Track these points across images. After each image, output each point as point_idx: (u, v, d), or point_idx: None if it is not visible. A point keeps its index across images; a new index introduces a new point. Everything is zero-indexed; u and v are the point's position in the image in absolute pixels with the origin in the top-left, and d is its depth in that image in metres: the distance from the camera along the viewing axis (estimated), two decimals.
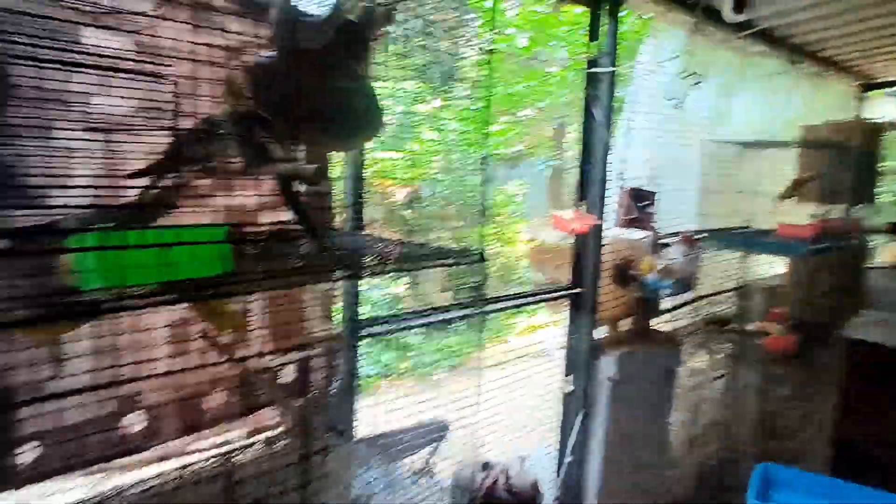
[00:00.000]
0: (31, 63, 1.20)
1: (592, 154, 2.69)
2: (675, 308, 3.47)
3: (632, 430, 2.86)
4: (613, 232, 2.91)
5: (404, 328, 2.09)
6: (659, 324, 3.30)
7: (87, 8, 1.30)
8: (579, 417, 2.55)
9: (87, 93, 1.28)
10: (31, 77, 1.22)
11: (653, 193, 2.87)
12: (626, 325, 3.08)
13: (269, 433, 1.70)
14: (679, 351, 3.09)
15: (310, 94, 1.27)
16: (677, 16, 2.92)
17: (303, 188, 1.37)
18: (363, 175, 1.86)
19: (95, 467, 1.45)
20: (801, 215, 3.61)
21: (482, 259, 1.35)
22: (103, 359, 1.38)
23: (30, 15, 1.17)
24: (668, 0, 2.77)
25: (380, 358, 6.01)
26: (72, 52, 1.24)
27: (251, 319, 1.60)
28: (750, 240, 3.19)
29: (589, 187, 2.72)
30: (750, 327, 3.39)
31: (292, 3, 1.34)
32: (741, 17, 2.55)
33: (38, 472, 1.37)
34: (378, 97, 1.46)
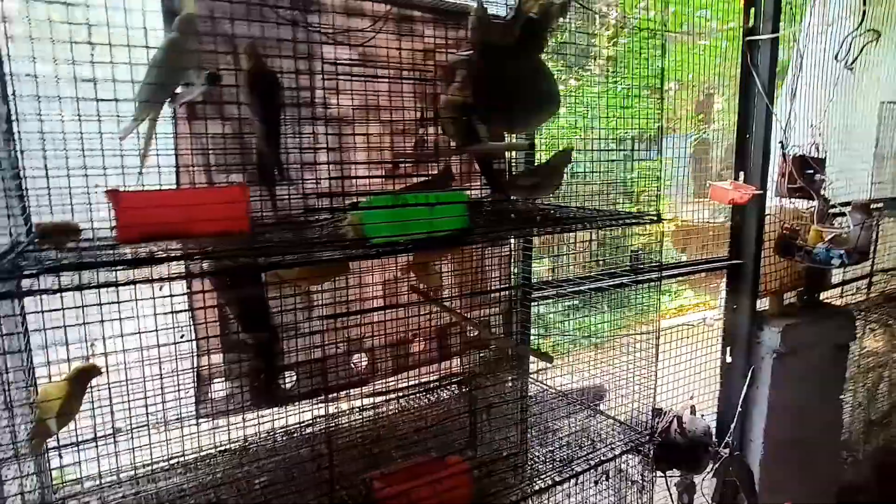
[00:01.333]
0: (287, 75, 1.56)
1: (751, 123, 2.66)
2: (848, 282, 3.29)
3: (797, 405, 2.80)
4: (777, 203, 2.85)
5: (570, 292, 2.28)
6: (830, 298, 3.16)
7: (325, 30, 1.63)
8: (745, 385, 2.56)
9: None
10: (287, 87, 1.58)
11: (821, 161, 2.76)
12: (791, 298, 3.00)
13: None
14: (852, 325, 2.94)
15: (504, 83, 1.51)
16: None
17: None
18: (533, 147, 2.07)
19: (333, 395, 1.82)
20: None
21: (659, 219, 1.50)
22: (339, 308, 1.74)
23: (287, 40, 1.53)
24: None
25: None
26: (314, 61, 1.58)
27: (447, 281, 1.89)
28: None
29: (747, 157, 2.69)
30: None
31: (486, 8, 1.58)
32: None
33: (294, 395, 1.76)
34: (555, 80, 1.67)
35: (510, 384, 2.00)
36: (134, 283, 0.89)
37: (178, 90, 1.29)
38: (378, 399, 1.89)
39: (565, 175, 1.91)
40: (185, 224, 0.93)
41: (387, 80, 1.69)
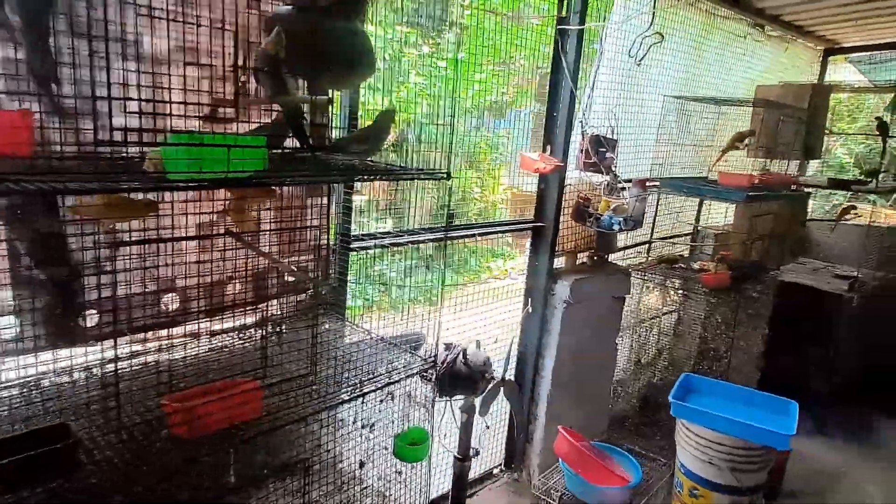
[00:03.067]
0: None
1: (559, 103, 3.04)
2: (631, 246, 3.90)
3: (580, 347, 3.33)
4: (576, 174, 3.29)
5: (386, 245, 2.47)
6: (616, 259, 3.74)
7: None
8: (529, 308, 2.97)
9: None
10: (99, 19, 1.53)
11: (613, 141, 3.24)
12: (584, 258, 3.51)
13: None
14: (628, 281, 3.53)
15: (319, 42, 1.61)
16: None
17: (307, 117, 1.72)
18: (356, 110, 2.20)
19: (140, 335, 1.84)
20: (748, 167, 4.04)
21: (448, 177, 1.72)
22: (149, 248, 1.75)
23: None
24: None
25: (365, 291, 6.45)
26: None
27: (265, 227, 1.97)
28: (698, 187, 3.59)
29: (555, 133, 3.08)
30: (695, 265, 3.83)
31: None
32: None
33: (99, 334, 1.75)
34: (371, 46, 1.80)
35: (326, 326, 2.15)
36: None
37: None
38: (188, 340, 1.94)
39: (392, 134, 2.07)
40: None
41: (204, 25, 1.70)
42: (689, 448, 2.79)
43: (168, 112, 1.62)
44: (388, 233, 2.52)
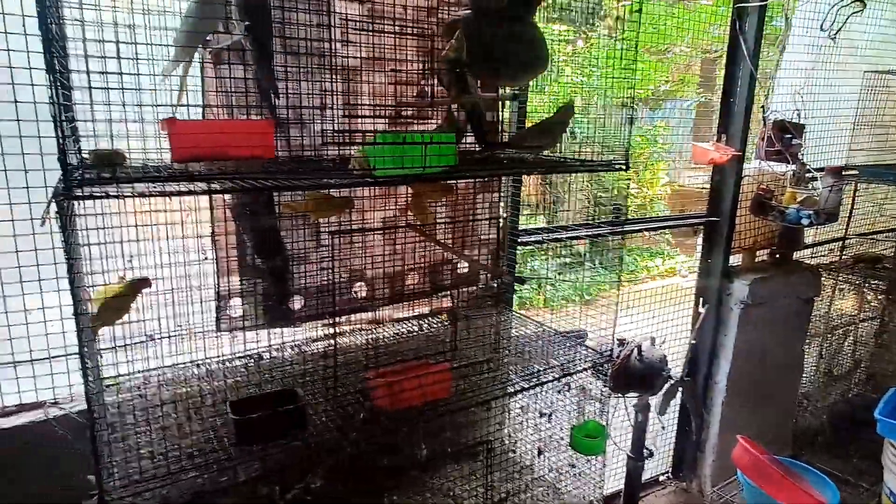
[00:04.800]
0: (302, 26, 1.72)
1: (736, 87, 2.82)
2: (822, 243, 3.49)
3: (760, 351, 3.05)
4: (756, 165, 3.03)
5: (554, 240, 2.49)
6: (802, 257, 3.37)
7: None
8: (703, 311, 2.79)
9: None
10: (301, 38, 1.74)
11: (800, 126, 2.93)
12: (764, 255, 3.22)
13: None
14: (817, 282, 3.17)
15: (495, 42, 1.68)
16: None
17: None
18: (526, 107, 2.25)
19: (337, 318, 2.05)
20: None
21: (627, 167, 1.70)
22: (343, 241, 1.95)
23: None
24: None
25: (520, 289, 6.51)
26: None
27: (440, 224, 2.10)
28: None
29: (731, 119, 2.86)
30: None
31: None
32: None
33: (303, 317, 1.99)
34: (545, 41, 1.83)
35: (500, 318, 2.23)
36: (167, 194, 1.09)
37: (209, 38, 1.46)
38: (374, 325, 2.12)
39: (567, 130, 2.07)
40: (225, 148, 1.13)
41: (392, 34, 1.86)
42: None
43: (360, 115, 1.80)
44: (556, 228, 2.53)
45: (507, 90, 1.95)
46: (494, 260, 2.32)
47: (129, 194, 1.04)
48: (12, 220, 1.41)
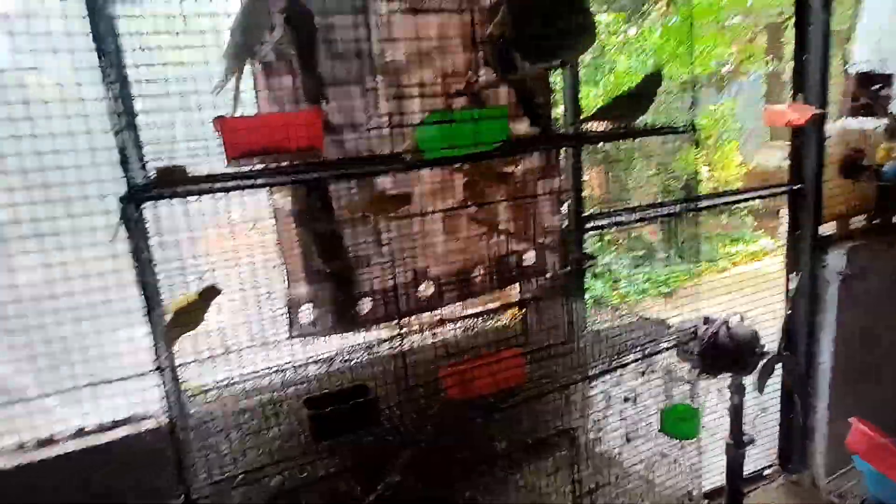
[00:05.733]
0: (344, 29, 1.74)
1: (808, 40, 2.61)
2: None
3: (867, 328, 2.78)
4: (841, 123, 2.79)
5: (620, 223, 2.37)
6: None
7: None
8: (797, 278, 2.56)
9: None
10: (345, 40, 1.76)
11: (887, 76, 2.68)
12: (860, 222, 2.94)
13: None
14: None
15: (538, 15, 1.63)
16: None
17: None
18: (578, 89, 2.17)
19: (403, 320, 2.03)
20: None
21: (694, 129, 1.59)
22: (404, 241, 1.94)
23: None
24: None
25: (593, 286, 6.30)
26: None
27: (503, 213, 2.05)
28: None
29: (807, 77, 2.65)
30: None
31: None
32: None
33: (371, 319, 1.99)
34: (590, 12, 1.76)
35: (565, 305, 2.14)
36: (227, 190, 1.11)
37: (257, 49, 1.50)
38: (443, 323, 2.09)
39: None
40: (275, 142, 1.14)
41: (437, 22, 1.84)
42: None
43: (408, 111, 1.79)
44: (624, 210, 2.41)
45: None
46: (561, 248, 2.24)
47: (190, 193, 1.07)
48: (93, 243, 1.49)
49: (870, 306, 2.78)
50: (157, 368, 1.38)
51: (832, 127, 2.74)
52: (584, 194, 2.51)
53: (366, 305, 1.98)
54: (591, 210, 2.53)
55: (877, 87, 2.64)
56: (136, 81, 1.36)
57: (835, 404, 2.80)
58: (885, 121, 2.70)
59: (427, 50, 1.82)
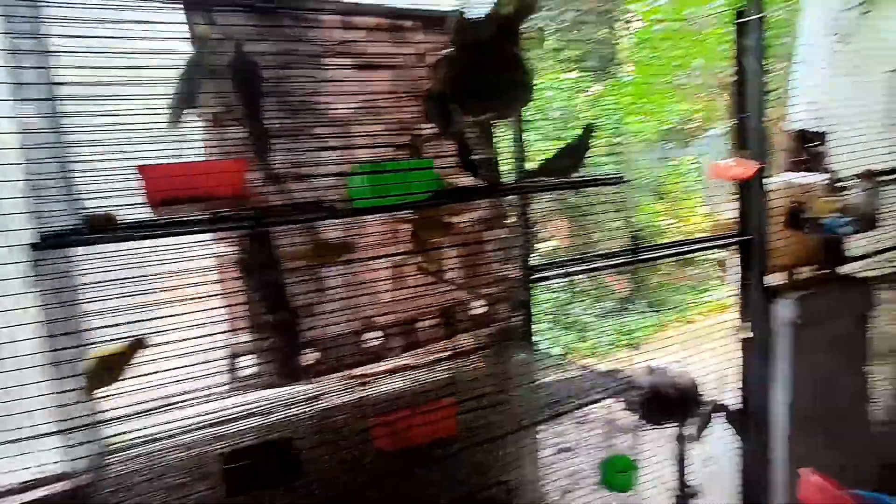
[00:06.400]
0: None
1: (747, 100, 2.74)
2: (870, 255, 3.26)
3: (820, 376, 2.81)
4: (784, 177, 2.91)
5: (572, 272, 2.41)
6: (850, 271, 3.14)
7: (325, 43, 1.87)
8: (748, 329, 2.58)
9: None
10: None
11: (822, 134, 2.81)
12: (807, 273, 3.02)
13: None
14: (870, 295, 2.94)
15: (478, 73, 1.69)
16: None
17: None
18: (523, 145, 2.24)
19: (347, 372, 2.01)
20: None
21: (623, 181, 1.64)
22: (350, 290, 1.94)
23: (293, 53, 1.77)
24: None
25: (558, 340, 6.27)
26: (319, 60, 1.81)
27: (449, 260, 2.07)
28: None
29: (748, 134, 2.77)
30: None
31: (463, 11, 1.78)
32: None
33: (316, 371, 1.95)
34: (530, 71, 1.84)
35: (519, 356, 2.14)
36: (158, 233, 1.10)
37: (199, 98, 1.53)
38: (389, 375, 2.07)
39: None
40: (198, 190, 1.15)
41: (383, 82, 1.91)
42: None
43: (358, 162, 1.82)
44: (571, 260, 2.45)
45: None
46: (509, 297, 2.26)
47: (116, 239, 1.06)
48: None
49: (820, 355, 2.82)
50: (74, 426, 1.33)
51: (775, 181, 2.86)
52: (550, 244, 2.54)
53: (310, 356, 1.96)
54: (551, 259, 2.58)
55: (813, 143, 2.78)
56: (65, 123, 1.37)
57: (796, 456, 2.79)
58: (823, 175, 2.82)
59: (374, 103, 1.88)
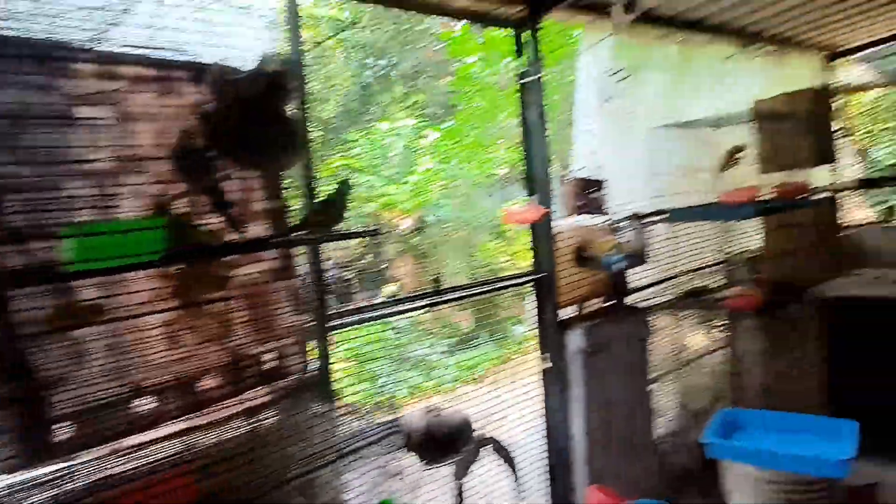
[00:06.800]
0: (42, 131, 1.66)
1: (533, 152, 3.03)
2: (651, 285, 3.71)
3: (609, 398, 3.10)
4: (572, 220, 3.23)
5: (372, 318, 2.45)
6: (636, 301, 3.54)
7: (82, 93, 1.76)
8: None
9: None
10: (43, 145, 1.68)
11: (599, 181, 3.18)
12: (594, 305, 3.35)
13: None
14: (647, 321, 3.33)
15: (238, 129, 1.70)
16: (605, 23, 3.25)
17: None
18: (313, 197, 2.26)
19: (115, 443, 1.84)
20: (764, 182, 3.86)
21: (377, 233, 1.72)
22: (111, 354, 1.80)
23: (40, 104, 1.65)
24: (586, 10, 3.13)
25: (405, 378, 6.31)
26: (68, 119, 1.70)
27: (231, 313, 2.00)
28: (706, 211, 3.41)
29: (536, 181, 3.05)
30: (727, 293, 3.57)
31: (226, 65, 1.78)
32: (631, 17, 2.87)
33: (71, 447, 1.77)
34: (297, 129, 1.88)
35: (312, 410, 2.11)
36: None
37: None
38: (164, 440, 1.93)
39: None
40: None
41: (145, 132, 1.84)
42: (745, 496, 2.47)
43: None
44: (369, 306, 2.50)
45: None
46: (302, 348, 2.24)
47: None
48: None
49: (609, 378, 3.12)
50: None
51: (563, 224, 3.16)
52: (394, 285, 2.53)
53: (64, 431, 1.77)
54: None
55: (592, 190, 3.13)
56: None
57: (594, 475, 3.03)
58: (602, 218, 3.17)
59: (130, 157, 1.80)
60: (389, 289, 6.34)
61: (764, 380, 3.76)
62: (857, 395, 3.54)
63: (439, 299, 2.66)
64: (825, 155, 3.94)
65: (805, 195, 3.49)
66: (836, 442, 2.36)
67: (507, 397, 3.39)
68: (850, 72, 5.31)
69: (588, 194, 3.13)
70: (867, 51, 5.12)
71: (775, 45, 4.60)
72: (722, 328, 3.88)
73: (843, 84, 4.94)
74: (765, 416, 2.67)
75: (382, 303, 2.54)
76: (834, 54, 5.18)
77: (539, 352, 3.11)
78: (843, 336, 3.59)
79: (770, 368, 3.74)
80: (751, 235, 4.38)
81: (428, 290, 2.66)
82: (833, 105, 4.11)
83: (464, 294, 2.89)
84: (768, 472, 2.32)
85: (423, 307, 2.59)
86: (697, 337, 3.99)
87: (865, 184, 4.06)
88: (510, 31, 3.09)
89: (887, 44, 4.90)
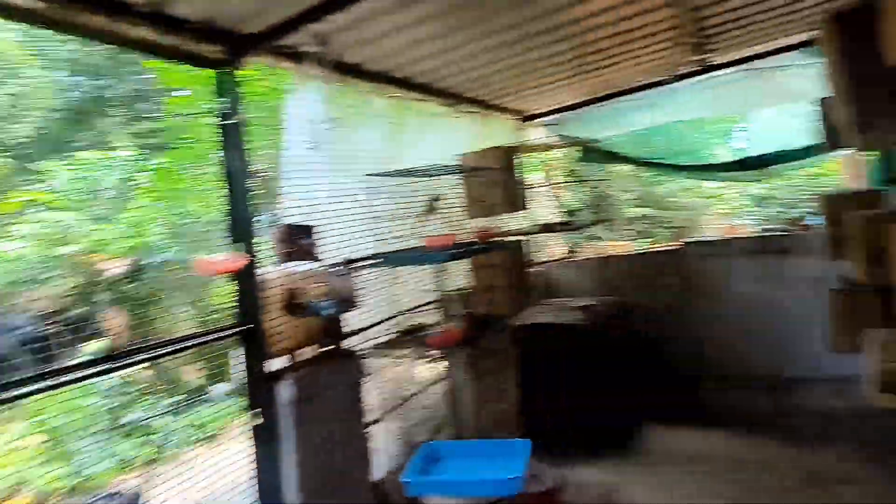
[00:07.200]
0: None
1: (237, 198, 2.90)
2: (367, 328, 3.81)
3: (324, 445, 3.06)
4: (280, 267, 3.15)
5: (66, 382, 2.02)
6: (354, 345, 3.58)
7: None
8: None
9: None
10: None
11: (308, 227, 3.18)
12: (310, 352, 3.31)
13: None
14: (360, 364, 3.40)
15: None
16: (315, 71, 3.29)
17: None
18: None
19: None
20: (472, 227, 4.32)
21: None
22: None
23: None
24: (286, 58, 3.15)
25: (114, 450, 5.41)
26: None
27: None
28: (413, 255, 3.65)
29: (238, 229, 2.91)
30: (437, 330, 3.85)
31: None
32: (323, 70, 3.00)
33: None
34: None
35: None
36: None
37: None
38: None
39: None
40: None
41: None
42: None
43: None
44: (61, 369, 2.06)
45: None
46: None
47: None
48: None
49: (323, 426, 3.08)
50: None
51: (271, 271, 3.07)
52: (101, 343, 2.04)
53: None
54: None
55: (300, 236, 3.11)
56: None
57: None
58: (313, 264, 3.16)
59: None
60: (96, 345, 5.45)
61: (475, 407, 4.14)
62: (543, 412, 4.13)
63: (135, 358, 2.34)
64: (515, 203, 4.59)
65: (495, 238, 3.99)
66: (511, 461, 2.67)
67: (220, 462, 3.14)
68: (538, 133, 6.35)
69: (297, 240, 3.10)
70: (553, 116, 6.20)
71: (478, 106, 5.27)
72: (439, 362, 4.17)
73: (531, 142, 5.86)
74: (458, 446, 2.90)
75: (77, 364, 2.12)
76: (526, 117, 6.15)
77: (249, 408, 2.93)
78: (530, 360, 4.15)
79: (479, 396, 4.14)
80: (462, 274, 4.86)
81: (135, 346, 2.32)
82: (521, 161, 4.83)
83: (157, 354, 2.59)
84: (461, 501, 2.51)
85: (109, 370, 2.24)
86: (417, 373, 4.22)
87: (545, 228, 4.82)
88: (211, 72, 2.95)
89: (570, 111, 6.01)
